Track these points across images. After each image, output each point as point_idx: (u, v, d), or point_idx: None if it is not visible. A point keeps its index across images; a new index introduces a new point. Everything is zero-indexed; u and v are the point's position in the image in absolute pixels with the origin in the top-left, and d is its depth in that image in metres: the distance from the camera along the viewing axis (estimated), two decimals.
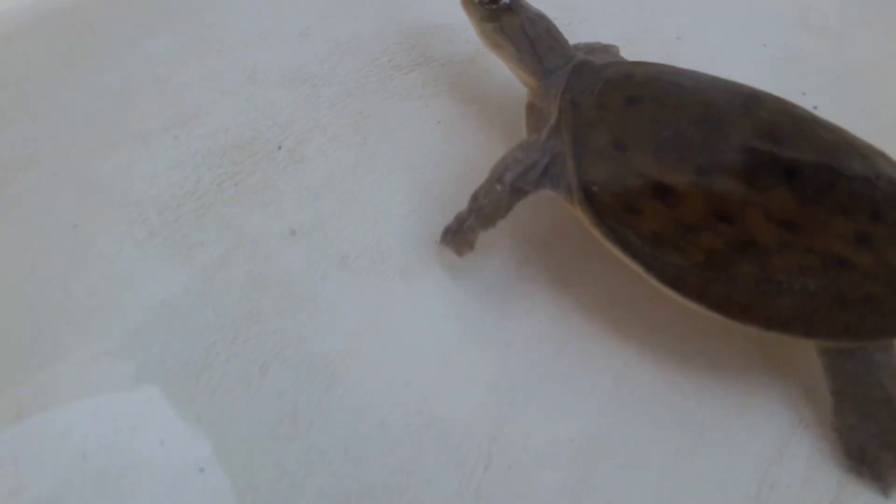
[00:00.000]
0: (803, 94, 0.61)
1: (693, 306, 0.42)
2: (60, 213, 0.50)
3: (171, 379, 0.43)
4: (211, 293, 0.46)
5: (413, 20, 0.68)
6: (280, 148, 0.56)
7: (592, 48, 0.59)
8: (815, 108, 0.59)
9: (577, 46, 0.60)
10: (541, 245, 0.51)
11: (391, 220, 0.52)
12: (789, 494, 0.40)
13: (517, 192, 0.47)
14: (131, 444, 0.41)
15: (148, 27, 0.66)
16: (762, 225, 0.42)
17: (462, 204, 0.48)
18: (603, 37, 0.69)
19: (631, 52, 0.59)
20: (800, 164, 0.43)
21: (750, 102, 0.46)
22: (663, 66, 0.51)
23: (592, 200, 0.44)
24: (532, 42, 0.52)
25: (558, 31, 0.53)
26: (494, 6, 0.53)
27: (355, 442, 0.41)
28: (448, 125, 0.58)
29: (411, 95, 0.61)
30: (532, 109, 0.52)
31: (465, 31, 0.66)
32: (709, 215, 0.42)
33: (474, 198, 0.48)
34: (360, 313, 0.47)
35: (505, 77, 0.56)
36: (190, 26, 0.66)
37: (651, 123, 0.45)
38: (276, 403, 0.42)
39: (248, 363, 0.44)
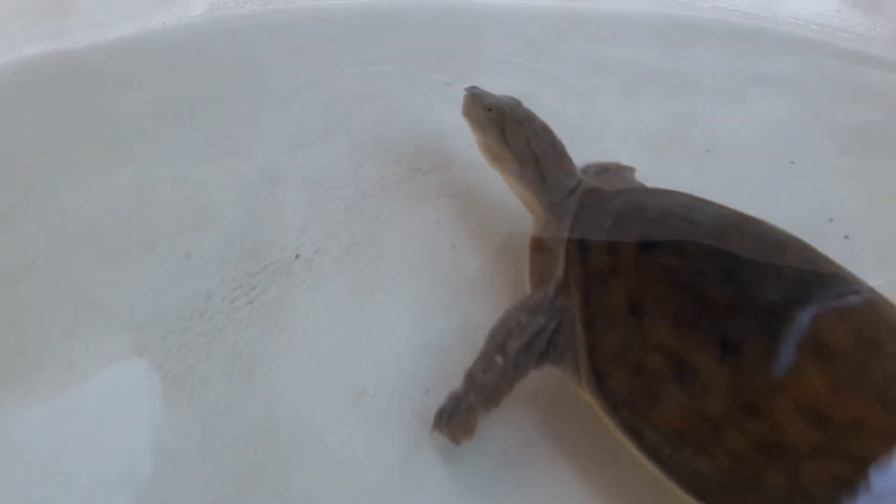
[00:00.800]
0: (831, 220, 0.57)
1: None
2: (53, 343, 0.45)
3: None
4: (214, 442, 0.41)
5: (436, 122, 0.65)
6: (297, 257, 0.52)
7: (605, 168, 0.55)
8: (846, 237, 0.55)
9: (587, 168, 0.55)
10: (548, 404, 0.45)
11: (410, 353, 0.47)
12: None
13: (521, 367, 0.41)
14: None
15: (168, 117, 0.63)
16: (793, 420, 0.36)
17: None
18: (628, 143, 0.66)
19: (657, 161, 0.55)
20: (831, 341, 0.37)
21: (774, 251, 0.40)
22: (679, 196, 0.45)
23: (604, 384, 0.38)
24: (536, 158, 0.47)
25: (564, 149, 0.49)
26: (497, 114, 0.49)
27: None
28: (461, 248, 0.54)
29: (429, 196, 0.58)
30: (537, 247, 0.47)
31: None
32: (735, 408, 0.36)
33: (470, 375, 0.41)
34: (374, 467, 0.42)
35: None
36: (212, 120, 0.63)
37: (669, 279, 0.39)
38: None
39: None
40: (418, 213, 0.56)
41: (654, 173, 0.56)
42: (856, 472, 0.34)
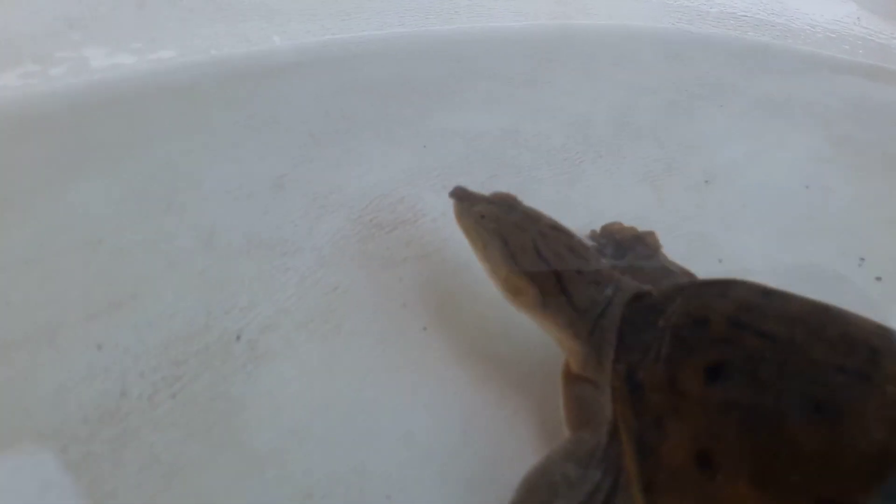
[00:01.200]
0: (862, 259, 0.50)
1: None
2: None
3: None
4: None
5: (405, 166, 0.57)
6: (238, 339, 0.43)
7: (619, 243, 0.46)
8: (878, 278, 0.48)
9: (597, 241, 0.48)
10: None
11: (368, 446, 0.39)
12: None
13: None
14: None
15: (75, 167, 0.53)
16: None
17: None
18: (624, 175, 0.60)
19: (657, 196, 0.48)
20: None
21: (868, 361, 0.32)
22: (742, 290, 0.36)
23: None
24: (556, 274, 0.38)
25: (583, 246, 0.40)
26: (493, 220, 0.40)
27: None
28: (434, 329, 0.45)
29: (394, 259, 0.49)
30: (571, 380, 0.37)
31: (464, 173, 0.55)
32: None
33: None
34: None
35: None
36: (133, 169, 0.54)
37: (746, 418, 0.31)
38: None
39: None
40: (381, 281, 0.48)
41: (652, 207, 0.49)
42: None
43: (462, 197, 0.42)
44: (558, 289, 0.37)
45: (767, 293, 0.35)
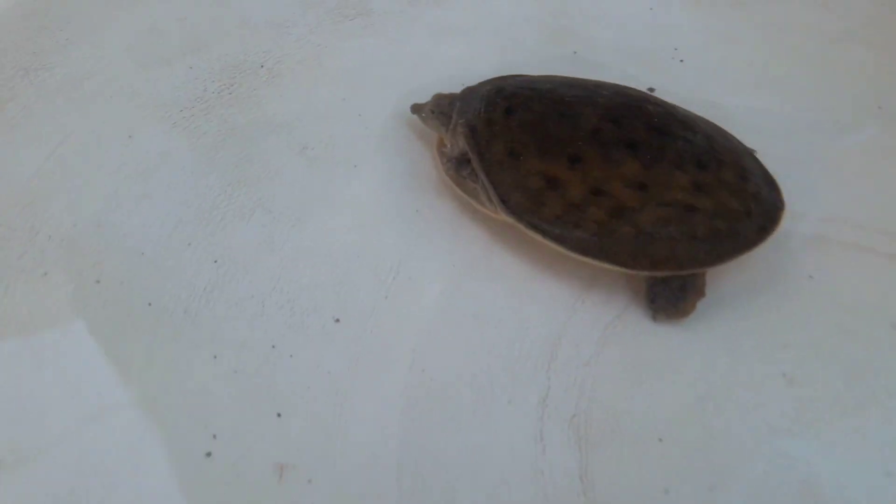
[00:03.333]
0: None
1: (595, 263, 0.55)
2: (119, 118, 0.73)
3: (185, 220, 0.65)
4: (213, 165, 0.69)
5: None
6: (262, 67, 0.79)
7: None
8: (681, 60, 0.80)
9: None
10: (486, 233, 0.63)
11: (347, 117, 0.73)
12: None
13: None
14: None
15: None
16: (624, 191, 0.54)
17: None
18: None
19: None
20: (637, 137, 0.56)
21: (592, 94, 0.59)
22: (520, 76, 0.65)
23: (510, 205, 0.57)
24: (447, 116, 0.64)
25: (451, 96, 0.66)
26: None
27: None
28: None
29: (355, 34, 0.83)
30: (440, 145, 0.66)
31: None
32: (588, 193, 0.54)
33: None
34: (315, 189, 0.70)
35: None
36: None
37: (529, 129, 0.58)
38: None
39: (241, 209, 0.65)
40: (351, 36, 0.82)
41: None
42: (671, 211, 0.54)
43: (415, 107, 0.67)
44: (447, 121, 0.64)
45: (536, 77, 0.64)
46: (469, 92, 0.65)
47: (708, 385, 0.54)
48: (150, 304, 0.59)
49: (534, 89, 0.61)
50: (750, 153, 0.61)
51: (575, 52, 0.79)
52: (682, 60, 0.78)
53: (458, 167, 0.62)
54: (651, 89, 0.70)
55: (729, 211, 0.55)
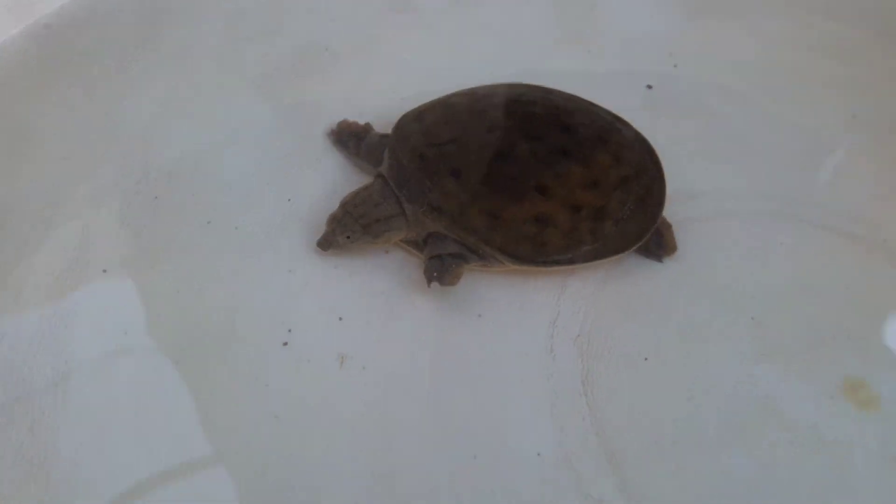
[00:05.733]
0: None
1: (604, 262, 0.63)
2: (215, 82, 0.85)
3: (265, 166, 0.78)
4: (288, 122, 0.81)
5: None
6: (326, 49, 0.90)
7: (363, 133, 0.75)
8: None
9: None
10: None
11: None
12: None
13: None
14: None
15: None
16: (588, 196, 0.61)
17: None
18: None
19: None
20: (563, 144, 0.62)
21: (498, 111, 0.65)
22: (408, 114, 0.67)
23: (521, 258, 0.61)
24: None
25: (369, 194, 0.65)
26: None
27: None
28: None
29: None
30: (403, 244, 0.67)
31: None
32: (570, 214, 0.60)
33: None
34: None
35: None
36: None
37: (488, 183, 0.60)
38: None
39: (309, 158, 0.77)
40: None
41: None
42: (620, 191, 0.62)
43: (323, 244, 0.64)
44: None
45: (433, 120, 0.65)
46: (389, 173, 0.65)
47: (689, 320, 0.67)
48: (236, 228, 0.72)
49: (454, 140, 0.63)
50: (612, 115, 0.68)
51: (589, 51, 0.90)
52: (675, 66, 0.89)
53: (442, 259, 0.62)
54: (649, 87, 0.81)
55: (645, 167, 0.64)
